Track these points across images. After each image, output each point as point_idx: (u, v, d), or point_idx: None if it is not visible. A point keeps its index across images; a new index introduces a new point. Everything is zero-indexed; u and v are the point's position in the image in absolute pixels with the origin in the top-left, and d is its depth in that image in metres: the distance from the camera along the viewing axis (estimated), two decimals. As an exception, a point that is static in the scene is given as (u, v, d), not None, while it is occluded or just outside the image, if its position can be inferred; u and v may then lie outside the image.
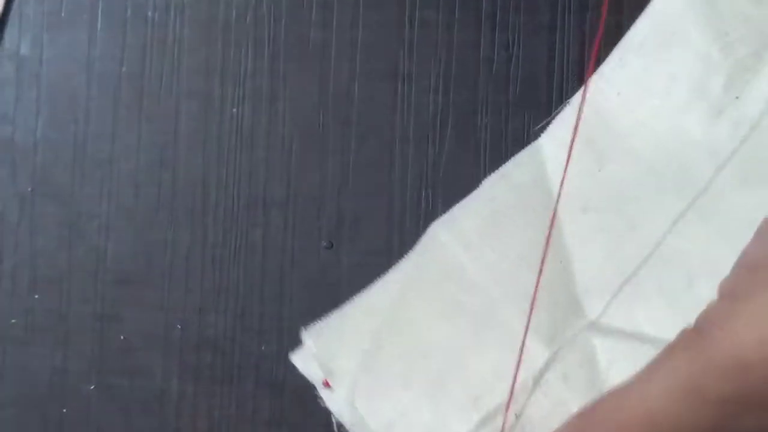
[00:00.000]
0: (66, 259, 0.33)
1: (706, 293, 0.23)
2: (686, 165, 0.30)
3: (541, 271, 0.30)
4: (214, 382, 0.32)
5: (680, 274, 0.29)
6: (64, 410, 0.33)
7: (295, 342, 0.31)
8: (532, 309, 0.30)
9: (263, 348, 0.32)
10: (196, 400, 0.32)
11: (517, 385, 0.29)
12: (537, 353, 0.29)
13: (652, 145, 0.30)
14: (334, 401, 0.30)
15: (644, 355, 0.25)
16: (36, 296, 0.33)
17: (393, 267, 0.30)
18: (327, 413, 0.31)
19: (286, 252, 0.32)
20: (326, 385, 0.30)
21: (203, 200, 0.32)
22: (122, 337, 0.32)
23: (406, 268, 0.30)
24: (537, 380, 0.29)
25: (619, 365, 0.29)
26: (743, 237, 0.23)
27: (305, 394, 0.31)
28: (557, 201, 0.30)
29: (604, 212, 0.30)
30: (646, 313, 0.29)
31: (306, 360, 0.30)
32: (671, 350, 0.22)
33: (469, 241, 0.30)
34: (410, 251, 0.30)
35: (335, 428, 0.30)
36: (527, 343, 0.29)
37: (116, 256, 0.33)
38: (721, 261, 0.23)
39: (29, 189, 0.33)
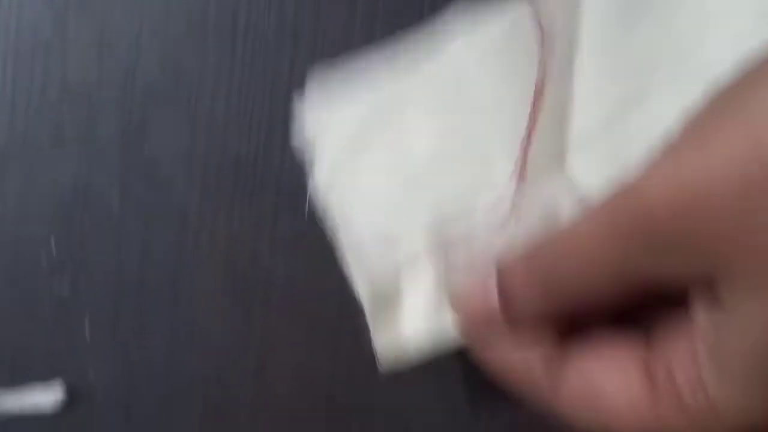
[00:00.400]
0: (96, 73, 0.33)
1: None
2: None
3: (536, 109, 0.30)
4: (235, 199, 0.33)
5: None
6: (87, 221, 0.33)
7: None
8: (529, 144, 0.30)
9: (285, 164, 0.33)
10: (216, 215, 0.33)
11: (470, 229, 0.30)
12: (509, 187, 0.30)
13: None
14: (318, 160, 0.31)
15: None
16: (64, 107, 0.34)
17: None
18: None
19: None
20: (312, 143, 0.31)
21: (233, 25, 0.33)
22: (146, 150, 0.33)
23: (412, 66, 0.31)
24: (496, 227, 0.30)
25: None
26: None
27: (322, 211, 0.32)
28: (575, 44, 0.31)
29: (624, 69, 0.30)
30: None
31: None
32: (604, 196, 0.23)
33: (482, 55, 0.31)
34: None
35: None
36: (500, 172, 0.30)
37: (145, 71, 0.33)
38: None
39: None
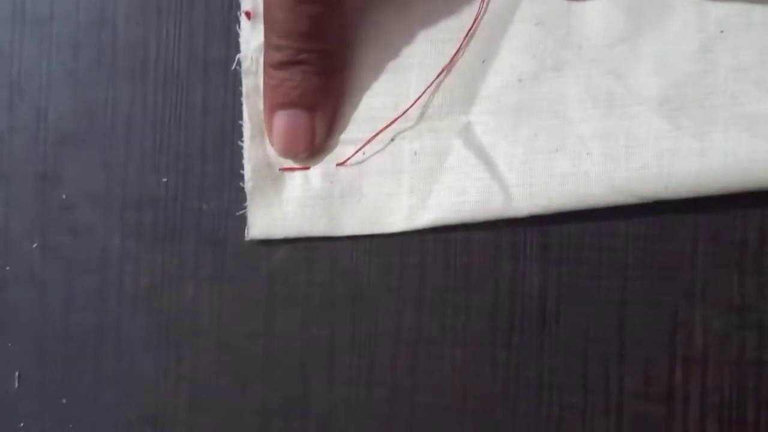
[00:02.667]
0: (6, 119, 0.33)
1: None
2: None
3: (458, 51, 0.31)
4: (156, 240, 0.32)
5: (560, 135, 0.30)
6: (8, 268, 0.33)
7: (236, 200, 0.32)
8: (446, 74, 0.31)
9: (204, 206, 0.32)
10: (138, 258, 0.32)
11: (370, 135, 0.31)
12: (413, 117, 0.31)
13: None
14: (246, 32, 0.31)
15: (477, 181, 0.30)
16: (-23, 156, 0.33)
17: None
18: (267, 269, 0.31)
19: (227, 110, 0.32)
20: (248, 16, 0.31)
21: (143, 60, 0.32)
22: (64, 196, 0.32)
23: None
24: (396, 139, 0.31)
25: (456, 174, 0.31)
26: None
27: (245, 251, 0.32)
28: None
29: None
30: (506, 151, 0.30)
31: None
32: None
33: None
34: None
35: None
36: (412, 91, 0.31)
37: (57, 116, 0.33)
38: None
39: (-32, 49, 0.33)
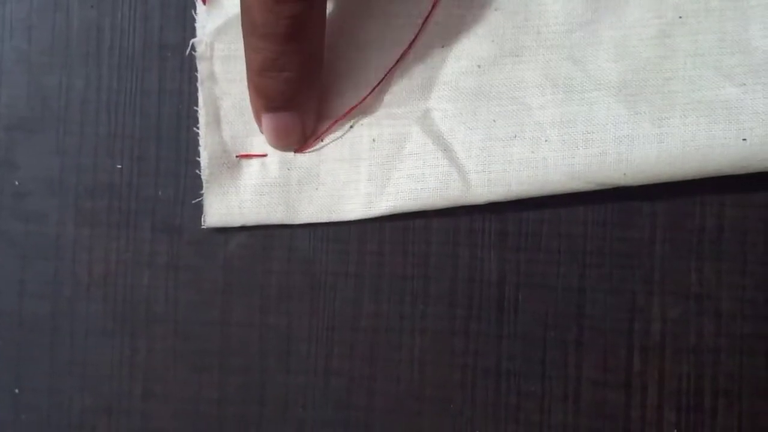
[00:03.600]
0: (-43, 104, 0.32)
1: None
2: None
3: (417, 36, 0.31)
4: (111, 227, 0.32)
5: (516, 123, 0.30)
6: (-41, 256, 0.32)
7: (192, 187, 0.31)
8: (405, 58, 0.31)
9: (160, 193, 0.32)
10: (93, 245, 0.32)
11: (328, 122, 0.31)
12: (372, 104, 0.31)
13: None
14: (201, 17, 0.31)
15: (436, 168, 0.30)
16: (-73, 142, 0.32)
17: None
18: (224, 257, 0.31)
19: (182, 96, 0.32)
20: (203, 0, 0.31)
21: (98, 44, 0.32)
22: (17, 183, 0.32)
23: None
24: (354, 126, 0.31)
25: (415, 161, 0.30)
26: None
27: (202, 238, 0.31)
28: None
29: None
30: (464, 138, 0.30)
31: None
32: None
33: None
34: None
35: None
36: (371, 78, 0.31)
37: (10, 101, 0.32)
38: None
39: None
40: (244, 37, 0.27)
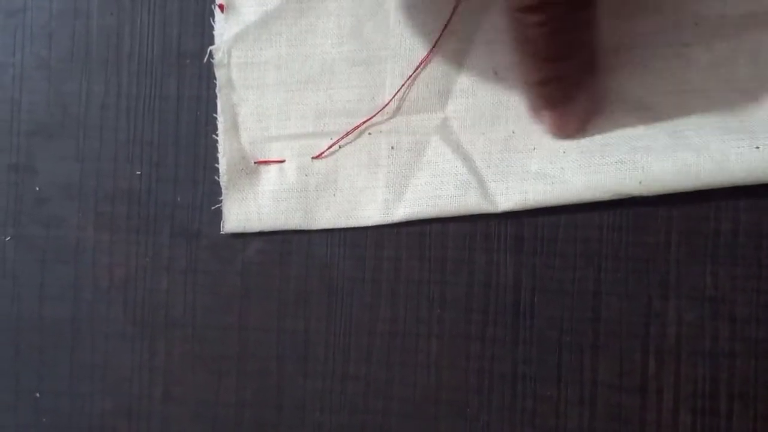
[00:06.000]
0: (-21, 110, 0.32)
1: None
2: None
3: (435, 44, 0.31)
4: (130, 232, 0.32)
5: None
6: (-19, 260, 0.32)
7: (211, 193, 0.32)
8: (422, 68, 0.31)
9: (179, 198, 0.32)
10: (113, 250, 0.32)
11: (348, 127, 0.31)
12: (390, 112, 0.31)
13: None
14: (219, 24, 0.31)
15: (454, 176, 0.30)
16: (-51, 147, 0.33)
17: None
18: (242, 262, 0.31)
19: (201, 103, 0.32)
20: (221, 8, 0.31)
21: (117, 50, 0.32)
22: (37, 188, 0.32)
23: None
24: (373, 133, 0.31)
25: (433, 169, 0.31)
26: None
27: (220, 243, 0.32)
28: None
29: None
30: (483, 148, 0.31)
31: None
32: None
33: None
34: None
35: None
36: (387, 100, 0.31)
37: (30, 107, 0.32)
38: None
39: (-60, 39, 0.33)
40: (519, 55, 0.28)
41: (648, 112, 0.30)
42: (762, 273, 0.30)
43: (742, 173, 0.29)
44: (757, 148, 0.29)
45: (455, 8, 0.31)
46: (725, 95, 0.29)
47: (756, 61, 0.30)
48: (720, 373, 0.30)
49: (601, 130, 0.30)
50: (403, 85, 0.31)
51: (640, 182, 0.29)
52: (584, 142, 0.30)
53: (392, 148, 0.31)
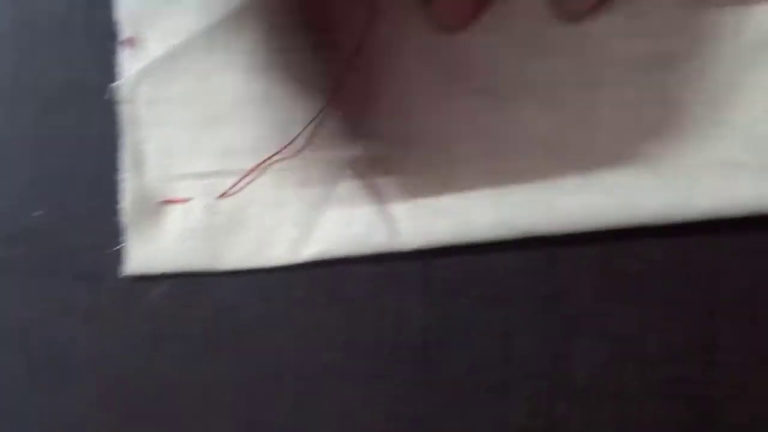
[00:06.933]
0: None
1: None
2: None
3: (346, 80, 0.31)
4: (29, 276, 0.31)
5: None
6: None
7: (115, 233, 0.31)
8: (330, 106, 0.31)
9: (81, 239, 0.31)
10: (11, 294, 0.31)
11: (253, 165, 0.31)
12: (299, 148, 0.31)
13: None
14: (125, 59, 0.31)
15: (363, 214, 0.30)
16: None
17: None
18: (147, 306, 0.31)
19: (105, 138, 0.31)
20: (127, 44, 0.31)
21: (18, 85, 0.31)
22: (-69, 229, 0.31)
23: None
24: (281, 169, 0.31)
25: (343, 207, 0.31)
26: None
27: (124, 286, 0.31)
28: None
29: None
30: (393, 185, 0.30)
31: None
32: None
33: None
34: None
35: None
36: (297, 124, 0.31)
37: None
38: None
39: None
40: None
41: (558, 151, 0.30)
42: (670, 312, 0.30)
43: (652, 214, 0.29)
44: (667, 189, 0.29)
45: (365, 44, 0.30)
46: (634, 136, 0.29)
47: (664, 102, 0.30)
48: (629, 414, 0.30)
49: (513, 168, 0.30)
50: (311, 121, 0.30)
51: (549, 221, 0.29)
52: (495, 179, 0.30)
53: (301, 185, 0.31)
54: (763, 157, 0.29)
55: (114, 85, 0.30)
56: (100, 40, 0.31)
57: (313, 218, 0.30)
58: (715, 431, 0.29)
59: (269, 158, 0.31)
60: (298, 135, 0.30)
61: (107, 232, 0.31)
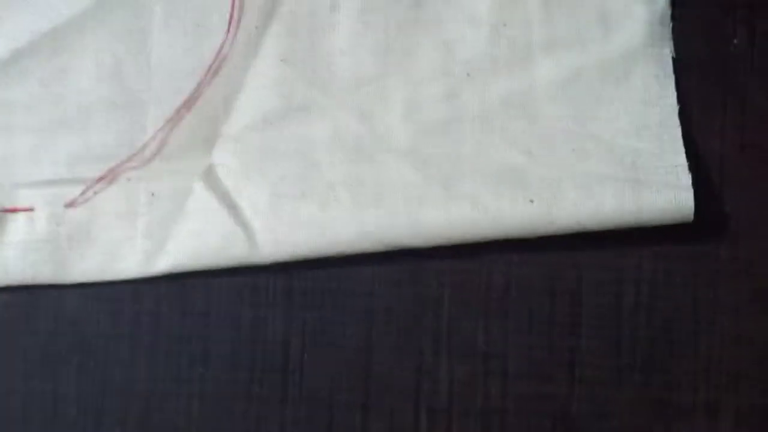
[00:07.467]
0: None
1: None
2: None
3: (199, 87, 0.30)
4: None
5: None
6: None
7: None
8: (185, 111, 0.30)
9: None
10: None
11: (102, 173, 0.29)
12: (150, 157, 0.29)
13: None
14: None
15: (219, 226, 0.29)
16: None
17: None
18: None
19: None
20: None
21: None
22: None
23: None
24: (132, 179, 0.30)
25: (197, 218, 0.29)
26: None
27: None
28: None
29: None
30: (250, 195, 0.29)
31: None
32: None
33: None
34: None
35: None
36: (149, 128, 0.30)
37: None
38: None
39: None
40: None
41: (421, 162, 0.29)
42: (533, 328, 0.30)
43: (516, 226, 0.29)
44: (531, 201, 0.28)
45: (221, 50, 0.29)
46: (498, 147, 0.29)
47: (528, 115, 0.29)
48: (491, 430, 0.30)
49: (375, 179, 0.29)
50: (161, 129, 0.29)
51: (412, 234, 0.29)
52: (356, 190, 0.29)
53: (152, 194, 0.29)
54: (626, 171, 0.28)
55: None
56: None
57: (166, 230, 0.29)
58: (576, 448, 0.29)
59: (117, 166, 0.29)
60: (147, 143, 0.29)
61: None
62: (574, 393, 0.29)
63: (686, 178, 0.28)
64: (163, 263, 0.29)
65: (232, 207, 0.29)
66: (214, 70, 0.29)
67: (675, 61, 0.29)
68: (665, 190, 0.28)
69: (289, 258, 0.29)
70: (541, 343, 0.30)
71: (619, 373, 0.29)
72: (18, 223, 0.29)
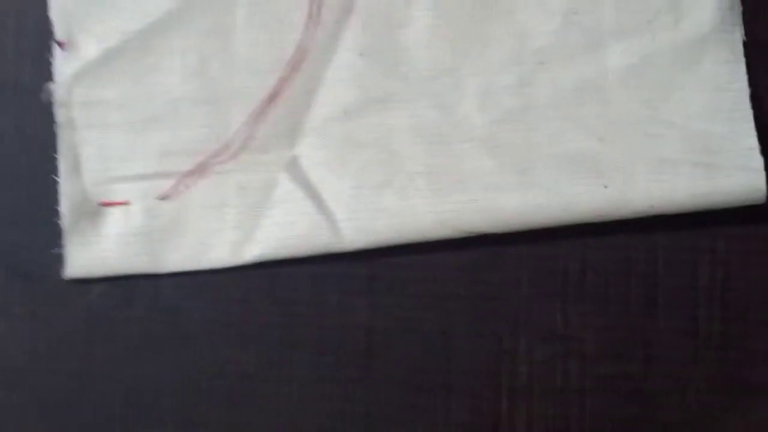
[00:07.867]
0: None
1: None
2: None
3: (281, 81, 0.30)
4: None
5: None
6: None
7: (53, 235, 0.30)
8: (269, 108, 0.31)
9: (17, 240, 0.31)
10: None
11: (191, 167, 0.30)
12: (237, 150, 0.30)
13: None
14: (59, 61, 0.30)
15: (304, 215, 0.29)
16: None
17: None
18: (85, 306, 0.30)
19: (41, 141, 0.31)
20: (61, 45, 0.30)
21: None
22: None
23: None
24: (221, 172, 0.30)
25: (283, 209, 0.30)
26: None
27: (61, 286, 0.30)
28: None
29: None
30: (333, 185, 0.30)
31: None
32: None
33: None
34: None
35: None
36: (234, 124, 0.31)
37: None
38: None
39: None
40: None
41: (497, 149, 0.30)
42: (609, 310, 0.31)
43: (590, 211, 0.29)
44: (605, 186, 0.29)
45: (302, 45, 0.30)
46: (572, 134, 0.30)
47: (601, 100, 0.30)
48: (571, 409, 0.30)
49: (452, 167, 0.30)
50: (246, 123, 0.30)
51: (489, 220, 0.29)
52: (434, 178, 0.30)
53: (241, 187, 0.30)
54: (698, 155, 0.29)
55: (49, 86, 0.30)
56: (32, 41, 0.31)
57: (254, 220, 0.30)
58: (653, 425, 0.30)
59: (206, 160, 0.30)
60: (235, 137, 0.30)
61: (46, 234, 0.30)
62: (651, 372, 0.30)
63: (758, 161, 0.28)
64: (252, 252, 0.30)
65: (316, 197, 0.30)
66: (295, 64, 0.30)
67: (746, 45, 0.30)
68: (737, 173, 0.28)
69: (371, 245, 0.30)
70: (618, 324, 0.31)
71: (695, 352, 0.30)
72: (115, 216, 0.30)
